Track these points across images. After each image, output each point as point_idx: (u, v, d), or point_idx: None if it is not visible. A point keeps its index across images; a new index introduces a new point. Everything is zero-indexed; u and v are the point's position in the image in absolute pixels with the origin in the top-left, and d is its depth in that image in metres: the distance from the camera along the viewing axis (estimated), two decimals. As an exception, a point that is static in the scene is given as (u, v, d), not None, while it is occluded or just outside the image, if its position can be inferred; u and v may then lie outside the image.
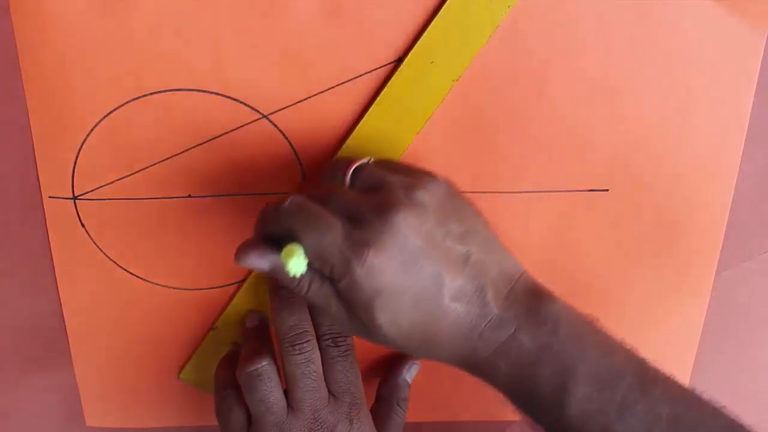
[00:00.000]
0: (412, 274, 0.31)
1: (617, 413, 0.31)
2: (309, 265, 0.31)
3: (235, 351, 0.41)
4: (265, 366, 0.37)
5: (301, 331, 0.37)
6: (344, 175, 0.34)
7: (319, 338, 0.38)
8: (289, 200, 0.32)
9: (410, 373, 0.43)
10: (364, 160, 0.34)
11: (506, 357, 0.32)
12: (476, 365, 0.33)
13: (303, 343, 0.37)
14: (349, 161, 0.34)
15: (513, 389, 0.33)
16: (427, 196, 0.32)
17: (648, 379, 0.32)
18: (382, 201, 0.31)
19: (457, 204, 0.33)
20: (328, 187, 0.33)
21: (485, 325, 0.32)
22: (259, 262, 0.32)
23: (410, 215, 0.31)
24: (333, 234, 0.31)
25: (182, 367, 0.44)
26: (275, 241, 0.32)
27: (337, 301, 0.32)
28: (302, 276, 0.31)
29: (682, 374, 0.46)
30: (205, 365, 0.43)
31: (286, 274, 0.31)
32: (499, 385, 0.33)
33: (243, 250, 0.33)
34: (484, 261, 0.32)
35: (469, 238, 0.32)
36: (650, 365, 0.33)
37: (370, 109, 0.37)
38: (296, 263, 0.30)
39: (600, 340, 0.33)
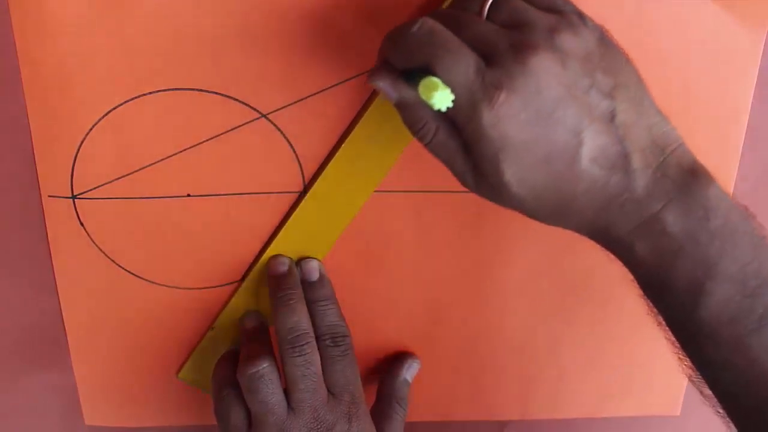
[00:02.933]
0: (547, 126, 0.27)
1: (755, 324, 0.28)
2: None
3: (233, 350, 0.41)
4: (266, 368, 0.37)
5: (301, 332, 0.37)
6: (482, 4, 0.29)
7: (318, 338, 0.38)
8: (419, 23, 0.28)
9: (410, 373, 0.43)
10: None
11: (645, 239, 0.29)
12: (611, 241, 0.30)
13: (302, 345, 0.37)
14: None
15: (647, 276, 0.30)
16: (574, 41, 0.28)
17: None
18: (522, 40, 0.27)
19: (609, 54, 0.29)
20: (462, 15, 0.29)
21: (627, 198, 0.28)
22: (389, 90, 0.29)
23: (551, 60, 0.27)
24: (464, 68, 0.27)
25: (181, 367, 0.44)
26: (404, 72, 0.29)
27: (462, 157, 0.29)
28: (428, 120, 0.28)
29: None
30: (203, 365, 0.43)
31: (413, 109, 0.28)
32: (633, 267, 0.30)
33: (375, 73, 0.30)
34: (633, 123, 0.29)
35: (619, 93, 0.29)
36: None
37: (370, 108, 0.37)
38: (442, 96, 0.26)
39: (754, 240, 0.29)
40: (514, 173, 0.28)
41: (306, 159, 0.39)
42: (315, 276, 0.40)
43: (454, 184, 0.40)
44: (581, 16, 0.30)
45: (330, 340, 0.38)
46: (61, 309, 0.42)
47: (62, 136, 0.37)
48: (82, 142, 0.38)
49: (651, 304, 0.31)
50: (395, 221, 0.41)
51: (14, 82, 0.36)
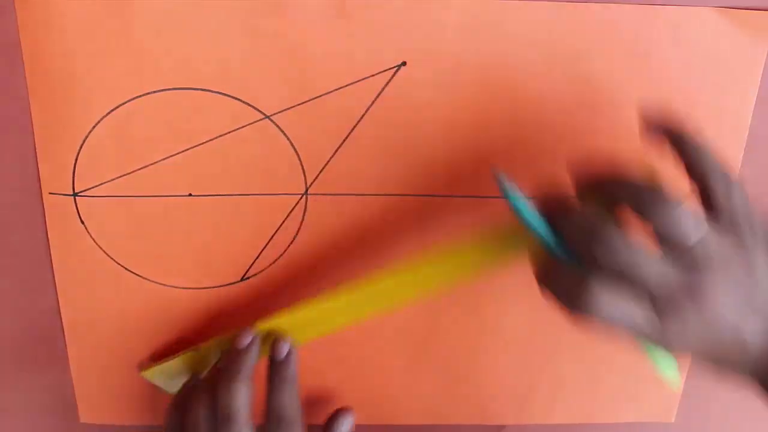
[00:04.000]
0: (716, 333, 0.31)
1: None
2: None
3: (187, 395, 0.40)
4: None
5: (230, 413, 0.37)
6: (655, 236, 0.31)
7: (267, 413, 0.38)
8: (591, 293, 0.30)
9: (344, 429, 0.43)
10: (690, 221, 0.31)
11: None
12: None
13: (227, 427, 0.37)
14: (675, 215, 0.30)
15: None
16: (742, 263, 0.31)
17: None
18: (696, 285, 0.30)
19: (760, 245, 0.33)
20: (635, 257, 0.30)
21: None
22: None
23: (724, 297, 0.31)
24: (645, 326, 0.31)
25: (147, 364, 0.43)
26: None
27: None
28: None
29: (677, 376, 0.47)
30: (173, 373, 0.42)
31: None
32: None
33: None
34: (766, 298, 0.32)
35: (763, 275, 0.32)
36: None
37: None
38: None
39: None
40: (678, 353, 0.32)
41: (308, 161, 0.39)
42: (282, 356, 0.40)
43: (455, 188, 0.40)
44: (750, 215, 0.32)
45: (275, 423, 0.38)
46: (59, 306, 0.42)
47: (65, 134, 0.37)
48: (84, 139, 0.38)
49: None
50: (396, 224, 0.41)
51: (18, 78, 0.36)
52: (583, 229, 0.32)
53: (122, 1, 0.35)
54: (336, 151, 0.38)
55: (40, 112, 0.37)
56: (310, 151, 0.38)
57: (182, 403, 0.40)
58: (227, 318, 0.43)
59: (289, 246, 0.41)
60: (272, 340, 0.39)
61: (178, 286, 0.41)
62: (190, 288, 0.42)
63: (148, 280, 0.41)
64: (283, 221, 0.40)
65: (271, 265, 0.41)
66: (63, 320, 0.42)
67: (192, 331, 0.43)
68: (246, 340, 0.39)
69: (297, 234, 0.40)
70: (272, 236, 0.40)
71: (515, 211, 0.33)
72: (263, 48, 0.36)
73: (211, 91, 0.37)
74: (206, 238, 0.40)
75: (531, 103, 0.38)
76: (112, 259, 0.40)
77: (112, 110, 0.37)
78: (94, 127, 0.37)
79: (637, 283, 0.31)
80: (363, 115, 0.38)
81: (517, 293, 0.43)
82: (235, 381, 0.37)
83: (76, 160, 0.38)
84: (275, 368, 0.39)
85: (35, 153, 0.38)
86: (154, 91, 0.37)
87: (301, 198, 0.40)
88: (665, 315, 0.31)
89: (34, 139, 0.38)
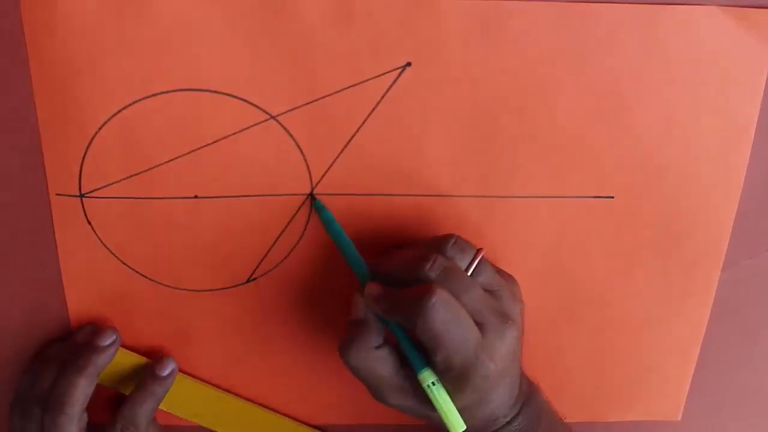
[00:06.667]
0: (499, 378, 0.35)
1: None
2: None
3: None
4: None
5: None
6: (470, 264, 0.36)
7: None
8: (433, 301, 0.33)
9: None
10: (482, 254, 0.36)
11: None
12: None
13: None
14: (472, 250, 0.36)
15: None
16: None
17: None
18: (505, 313, 0.35)
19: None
20: (461, 277, 0.35)
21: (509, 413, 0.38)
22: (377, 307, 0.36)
23: (519, 331, 0.36)
24: (472, 341, 0.34)
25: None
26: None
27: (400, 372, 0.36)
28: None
29: (684, 374, 0.46)
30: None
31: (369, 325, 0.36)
32: None
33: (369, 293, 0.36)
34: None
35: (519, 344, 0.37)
36: None
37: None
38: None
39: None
40: (466, 400, 0.35)
41: (314, 162, 0.39)
42: (163, 373, 0.41)
43: (460, 188, 0.40)
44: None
45: (122, 429, 0.40)
46: (67, 307, 0.42)
47: (71, 135, 0.38)
48: (91, 140, 0.38)
49: None
50: (401, 224, 0.41)
51: (24, 80, 0.36)
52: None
53: (127, 2, 0.35)
54: (341, 151, 0.39)
55: (46, 113, 0.37)
56: (315, 151, 0.39)
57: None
58: (233, 319, 0.43)
59: (294, 247, 0.41)
60: (160, 357, 0.42)
61: (184, 287, 0.42)
62: (196, 290, 0.42)
63: (155, 281, 0.41)
64: (289, 222, 0.40)
65: (276, 266, 0.41)
66: (71, 321, 0.42)
67: (197, 331, 0.43)
68: (108, 339, 0.40)
69: (302, 235, 0.41)
70: (278, 237, 0.40)
71: (329, 232, 0.39)
72: (268, 49, 0.36)
73: (217, 92, 0.37)
74: (212, 240, 0.40)
75: (536, 103, 0.38)
76: (119, 260, 0.41)
77: (118, 111, 0.37)
78: (100, 128, 0.37)
79: (467, 301, 0.34)
80: (368, 116, 0.38)
81: (522, 291, 0.43)
82: (77, 374, 0.38)
83: (83, 161, 0.38)
84: (151, 381, 0.41)
85: (42, 154, 0.38)
86: (160, 93, 0.37)
87: (306, 198, 0.40)
88: (484, 340, 0.34)
89: (40, 140, 0.38)
